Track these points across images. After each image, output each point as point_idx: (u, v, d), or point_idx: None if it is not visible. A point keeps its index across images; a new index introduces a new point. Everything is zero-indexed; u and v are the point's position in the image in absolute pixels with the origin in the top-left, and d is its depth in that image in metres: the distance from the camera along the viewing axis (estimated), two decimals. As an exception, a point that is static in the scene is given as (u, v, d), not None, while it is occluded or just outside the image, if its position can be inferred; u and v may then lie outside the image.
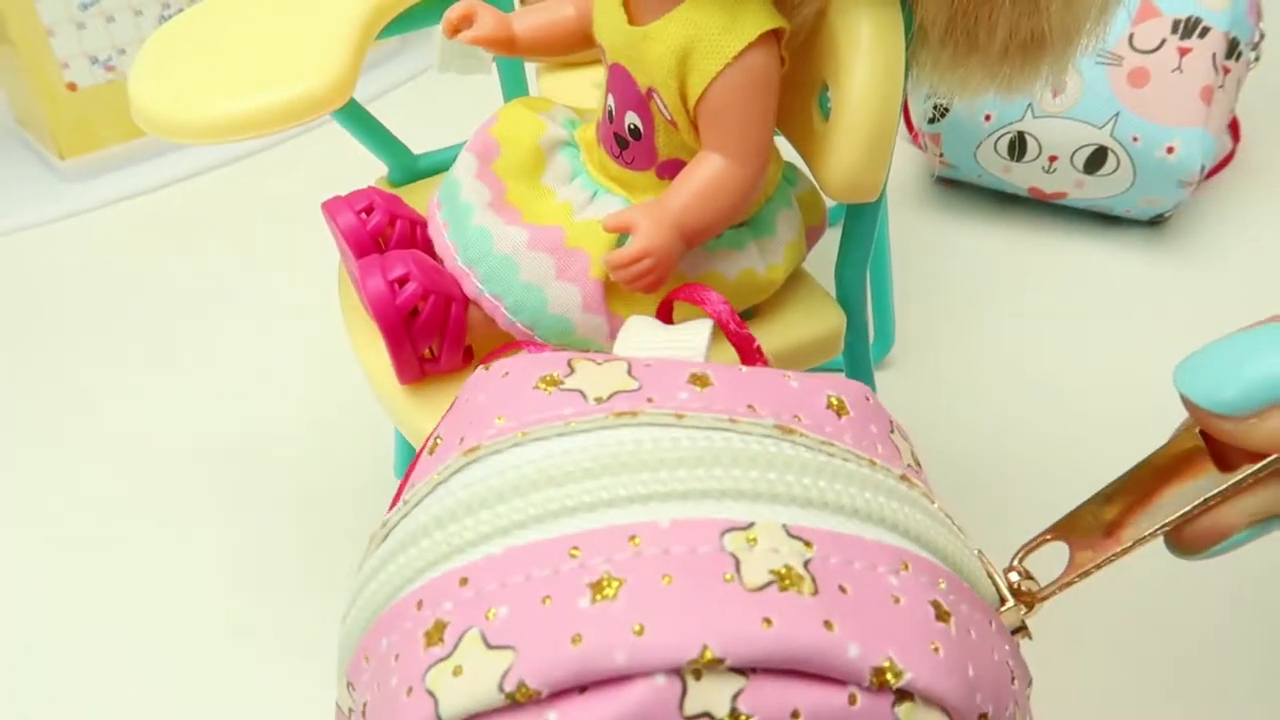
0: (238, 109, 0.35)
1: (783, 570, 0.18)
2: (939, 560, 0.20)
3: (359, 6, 0.39)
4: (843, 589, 0.18)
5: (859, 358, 0.41)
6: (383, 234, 0.36)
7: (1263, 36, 0.57)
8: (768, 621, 0.17)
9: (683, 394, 0.21)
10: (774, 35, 0.31)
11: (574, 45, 0.37)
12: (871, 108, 0.31)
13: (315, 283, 0.61)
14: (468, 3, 0.35)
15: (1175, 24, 0.54)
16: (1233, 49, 0.55)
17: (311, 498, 0.48)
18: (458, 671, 0.17)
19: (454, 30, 0.36)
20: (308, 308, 0.59)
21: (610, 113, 0.35)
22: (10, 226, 0.67)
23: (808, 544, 0.18)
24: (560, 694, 0.16)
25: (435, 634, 0.18)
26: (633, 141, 0.34)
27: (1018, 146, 0.58)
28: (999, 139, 0.58)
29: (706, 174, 0.32)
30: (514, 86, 0.47)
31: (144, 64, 0.38)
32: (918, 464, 0.24)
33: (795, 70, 0.34)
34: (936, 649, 0.18)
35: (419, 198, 0.39)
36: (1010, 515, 0.45)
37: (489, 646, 0.17)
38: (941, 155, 0.61)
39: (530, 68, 0.50)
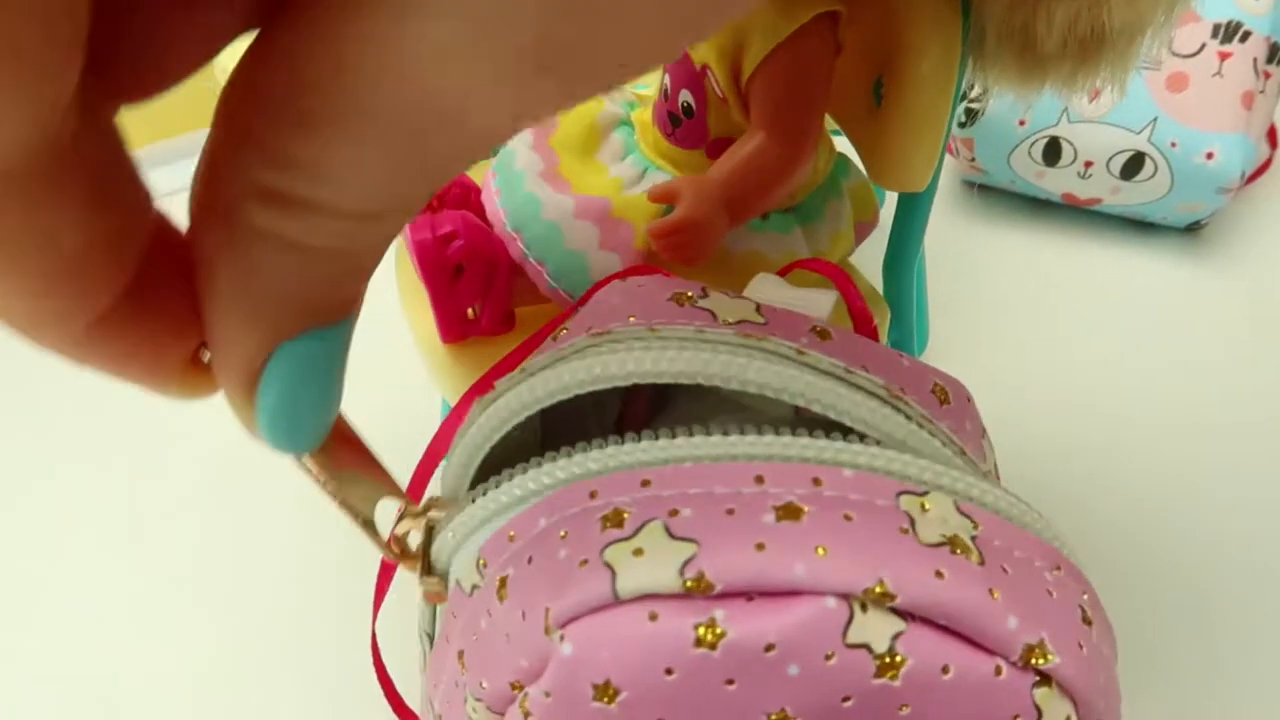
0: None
1: (953, 536, 0.18)
2: (1081, 571, 0.21)
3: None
4: (1004, 569, 0.18)
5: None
6: (438, 196, 0.37)
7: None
8: (940, 574, 0.17)
9: (804, 338, 0.22)
10: (829, 19, 0.31)
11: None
12: (924, 97, 0.32)
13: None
14: None
15: (1215, 28, 0.55)
16: (1274, 53, 0.55)
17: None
18: (638, 553, 0.17)
19: None
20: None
21: (665, 91, 0.36)
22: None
23: (974, 523, 0.19)
24: (729, 595, 0.17)
25: (614, 519, 0.18)
26: (685, 120, 0.35)
27: (1052, 151, 0.58)
28: (1033, 144, 0.58)
29: (753, 151, 0.33)
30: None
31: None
32: (997, 474, 0.25)
33: (851, 58, 0.34)
34: (1081, 646, 0.18)
35: (481, 171, 0.40)
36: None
37: (672, 537, 0.17)
38: (974, 160, 0.61)
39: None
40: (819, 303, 0.27)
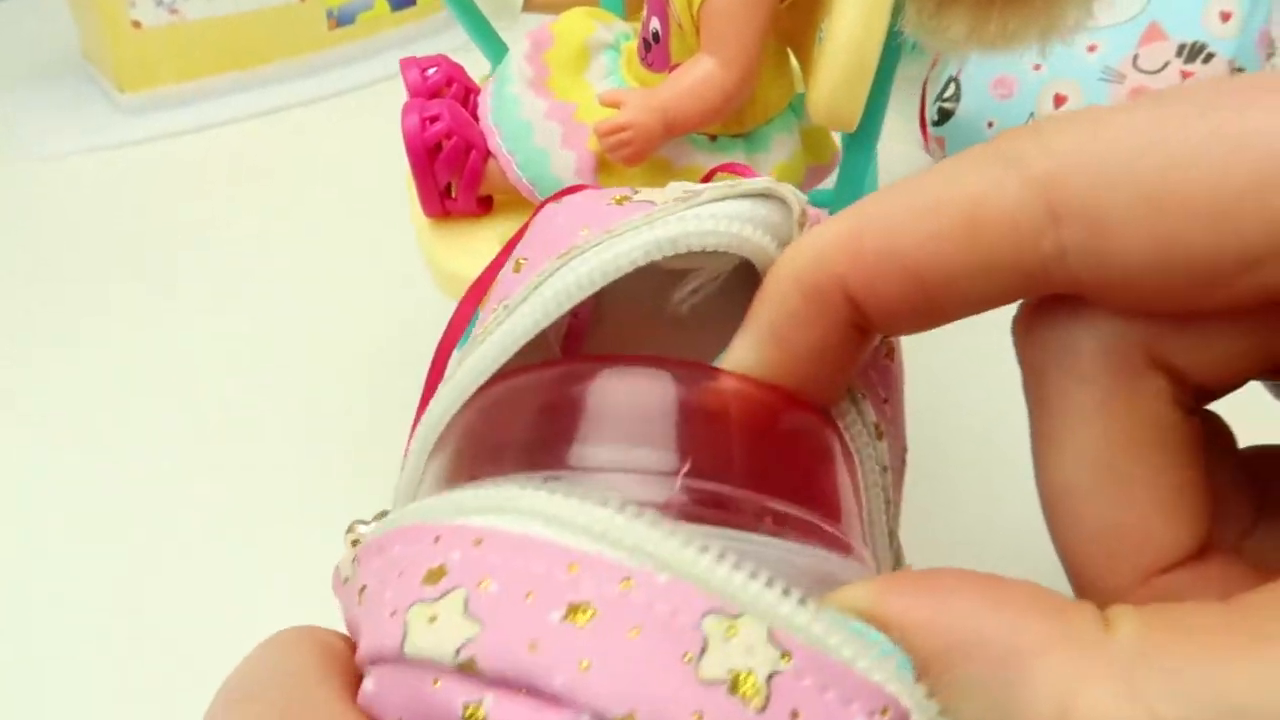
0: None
1: (742, 675, 0.17)
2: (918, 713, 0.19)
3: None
4: (795, 714, 0.17)
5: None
6: (439, 90, 0.43)
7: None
8: (698, 716, 0.17)
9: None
10: (771, -41, 0.36)
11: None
12: (851, 39, 0.36)
13: (355, 227, 0.63)
14: None
15: (1180, 48, 0.57)
16: (1236, 77, 0.56)
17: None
18: (432, 619, 0.18)
19: None
20: (350, 249, 0.62)
21: (644, 20, 0.40)
22: (68, 150, 0.74)
23: (787, 654, 0.18)
24: (502, 684, 0.17)
25: (435, 576, 0.18)
26: (654, 45, 0.40)
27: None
28: (1000, 143, 0.60)
29: (695, 72, 0.37)
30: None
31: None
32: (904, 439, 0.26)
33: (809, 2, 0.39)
34: None
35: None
36: (997, 523, 0.46)
37: (465, 613, 0.18)
38: (945, 157, 0.63)
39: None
40: None
